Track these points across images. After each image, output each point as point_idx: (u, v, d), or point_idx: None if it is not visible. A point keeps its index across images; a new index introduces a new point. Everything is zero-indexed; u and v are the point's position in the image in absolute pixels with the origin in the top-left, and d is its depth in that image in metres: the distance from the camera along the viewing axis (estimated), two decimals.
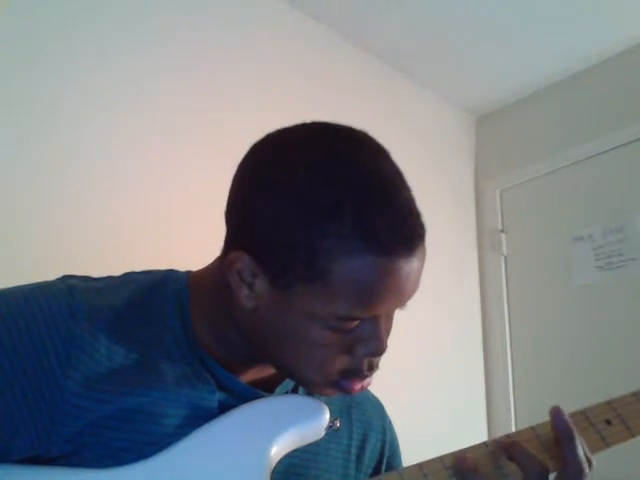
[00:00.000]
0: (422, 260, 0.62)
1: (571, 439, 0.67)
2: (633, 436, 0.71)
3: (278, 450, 0.64)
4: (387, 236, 0.58)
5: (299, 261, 0.59)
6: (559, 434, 0.68)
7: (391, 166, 0.64)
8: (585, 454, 0.67)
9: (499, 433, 2.09)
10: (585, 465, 0.66)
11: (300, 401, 0.70)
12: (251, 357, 0.70)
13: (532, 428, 0.71)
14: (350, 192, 0.58)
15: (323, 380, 0.65)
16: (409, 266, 0.60)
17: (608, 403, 0.73)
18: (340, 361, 0.63)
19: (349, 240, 0.57)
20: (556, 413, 0.69)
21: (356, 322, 0.62)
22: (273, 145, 0.66)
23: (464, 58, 2.21)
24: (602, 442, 0.70)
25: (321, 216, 0.58)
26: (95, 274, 0.70)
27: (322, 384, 0.66)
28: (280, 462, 0.66)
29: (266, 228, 0.61)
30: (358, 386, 0.66)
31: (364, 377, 0.66)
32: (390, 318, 0.66)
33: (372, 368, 0.65)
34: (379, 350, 0.63)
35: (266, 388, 0.71)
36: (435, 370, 2.09)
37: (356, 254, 0.57)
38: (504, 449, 0.68)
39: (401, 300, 0.62)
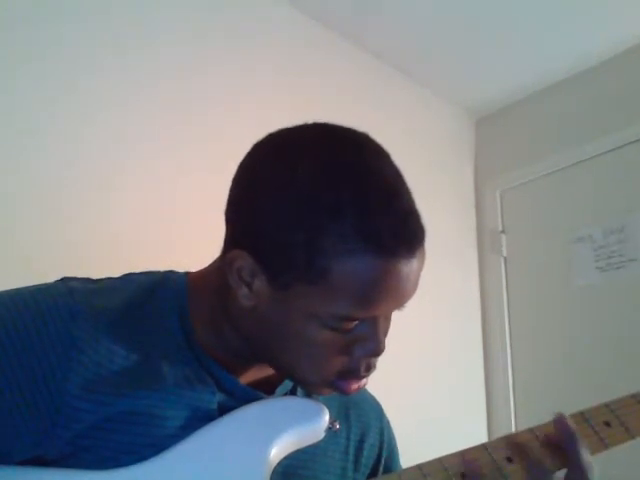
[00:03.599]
0: (422, 262, 0.62)
1: (575, 444, 0.67)
2: (632, 438, 0.71)
3: (278, 452, 0.65)
4: (388, 237, 0.58)
5: (299, 261, 0.59)
6: (563, 440, 0.68)
7: (392, 168, 0.64)
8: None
9: (499, 433, 2.08)
10: (590, 469, 0.66)
11: (300, 403, 0.70)
12: (250, 357, 0.70)
13: (530, 430, 0.71)
14: (351, 193, 0.58)
15: (320, 380, 0.65)
16: (409, 267, 0.60)
17: (607, 405, 0.73)
18: (337, 361, 0.63)
19: (349, 240, 0.57)
20: (559, 420, 0.69)
21: (354, 323, 0.62)
22: (275, 145, 0.66)
23: (464, 58, 2.21)
24: (601, 444, 0.70)
25: (322, 216, 0.58)
26: (95, 275, 0.70)
27: (319, 384, 0.66)
28: (279, 463, 0.66)
29: (266, 228, 0.61)
30: (354, 386, 0.66)
31: (361, 378, 0.66)
32: (388, 319, 0.66)
33: (369, 369, 0.65)
34: (377, 351, 0.64)
35: (266, 389, 0.71)
36: (435, 370, 2.09)
37: (356, 254, 0.57)
38: (512, 447, 0.68)
39: (400, 301, 0.63)
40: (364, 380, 0.67)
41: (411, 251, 0.60)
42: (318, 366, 0.64)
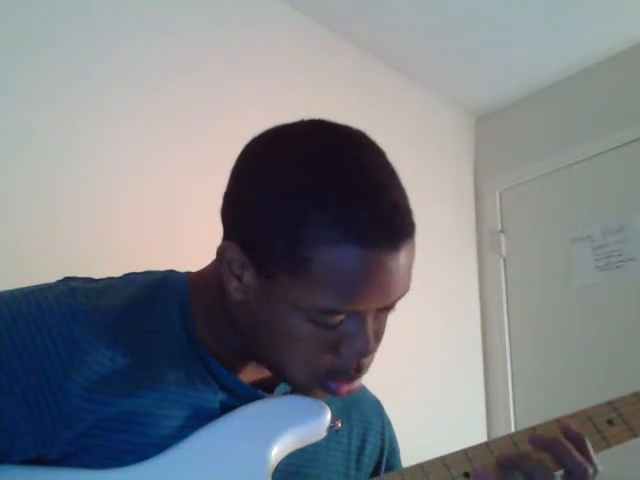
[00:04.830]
0: (410, 258, 0.61)
1: (556, 447, 0.67)
2: (635, 436, 0.71)
3: (279, 451, 0.64)
4: (369, 228, 0.57)
5: (281, 250, 0.58)
6: (548, 450, 0.67)
7: (384, 165, 0.63)
8: (589, 457, 0.67)
9: (499, 433, 2.09)
10: (587, 467, 0.65)
11: (301, 402, 0.69)
12: (248, 355, 0.69)
13: (533, 428, 0.71)
14: (336, 183, 0.58)
15: (309, 379, 0.64)
16: (394, 262, 0.58)
17: (609, 403, 0.73)
18: (326, 360, 0.62)
19: (331, 229, 0.57)
20: (530, 440, 0.69)
21: (340, 317, 0.60)
22: (266, 139, 0.66)
23: (464, 58, 2.21)
24: (604, 442, 0.70)
25: (305, 205, 0.58)
26: (95, 275, 0.70)
27: (308, 383, 0.65)
28: (281, 461, 0.66)
29: (251, 217, 0.61)
30: (345, 388, 0.64)
31: (351, 379, 0.64)
32: (380, 322, 0.64)
33: (360, 370, 0.64)
34: (365, 350, 0.61)
35: (267, 388, 0.71)
36: (435, 370, 2.09)
37: (337, 243, 0.56)
38: (512, 463, 0.67)
39: (385, 298, 0.60)
40: (356, 382, 0.65)
41: (395, 245, 0.58)
42: (305, 363, 0.62)
